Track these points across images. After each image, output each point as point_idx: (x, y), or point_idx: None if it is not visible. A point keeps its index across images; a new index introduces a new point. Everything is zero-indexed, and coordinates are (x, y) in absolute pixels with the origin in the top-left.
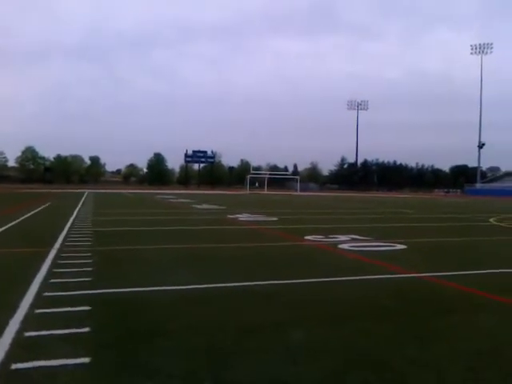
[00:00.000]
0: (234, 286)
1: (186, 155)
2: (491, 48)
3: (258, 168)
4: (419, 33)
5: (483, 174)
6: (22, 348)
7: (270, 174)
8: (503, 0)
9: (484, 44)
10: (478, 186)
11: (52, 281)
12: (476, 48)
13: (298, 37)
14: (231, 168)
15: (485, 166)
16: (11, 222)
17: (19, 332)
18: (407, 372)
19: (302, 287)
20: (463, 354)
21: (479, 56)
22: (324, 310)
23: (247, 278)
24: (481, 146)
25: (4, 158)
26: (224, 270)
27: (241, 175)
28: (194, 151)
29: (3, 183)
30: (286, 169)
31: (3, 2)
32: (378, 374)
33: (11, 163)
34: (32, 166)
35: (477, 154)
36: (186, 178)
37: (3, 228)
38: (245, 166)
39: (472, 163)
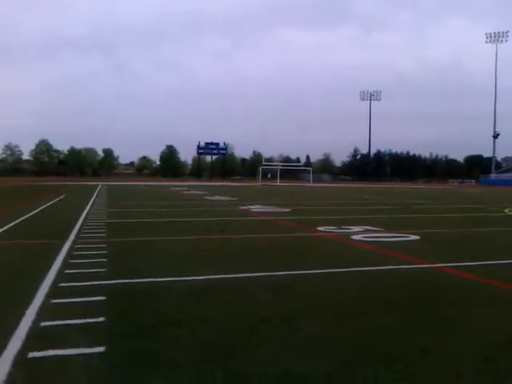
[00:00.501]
0: (247, 277)
1: (199, 147)
2: (507, 36)
3: (270, 159)
4: (431, 22)
5: (498, 165)
6: (38, 337)
7: (282, 166)
8: None
9: (499, 32)
10: (493, 176)
11: (67, 271)
12: (491, 37)
13: (307, 27)
14: (243, 160)
15: (499, 156)
16: (27, 213)
17: (35, 322)
18: (419, 363)
19: (314, 278)
20: (476, 344)
21: (494, 45)
22: (337, 301)
23: (259, 269)
24: (496, 135)
25: (19, 151)
26: (236, 261)
27: (253, 167)
28: (206, 143)
29: (18, 176)
30: (298, 160)
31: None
32: (389, 365)
33: (25, 156)
34: (46, 159)
35: (491, 144)
36: (198, 170)
37: (19, 220)
38: (257, 158)
39: (487, 153)
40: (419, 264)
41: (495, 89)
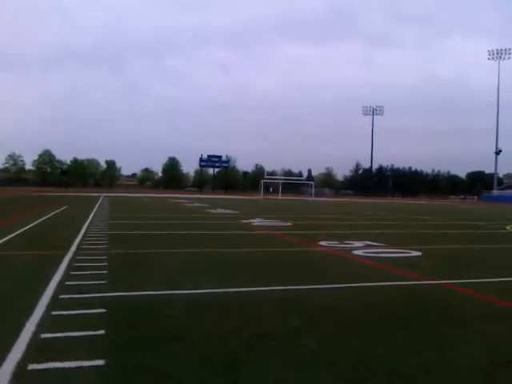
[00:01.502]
0: (247, 291)
1: (201, 160)
2: (509, 53)
3: (272, 173)
4: (435, 39)
5: (500, 181)
6: (38, 349)
7: (284, 179)
8: None
9: (502, 50)
10: (495, 192)
11: (68, 283)
12: (493, 53)
13: (312, 43)
14: (245, 173)
15: (502, 172)
16: (29, 224)
17: (35, 333)
18: (421, 381)
19: (315, 293)
20: (478, 364)
21: (496, 61)
22: (338, 317)
23: (260, 284)
24: (498, 152)
25: (21, 161)
26: (237, 274)
27: (255, 180)
28: (208, 156)
29: (21, 186)
30: (300, 174)
31: (20, 7)
32: (391, 382)
33: (28, 166)
34: (49, 170)
35: (494, 160)
36: (200, 183)
37: (21, 230)
38: (259, 171)
39: (489, 169)
40: (421, 280)
41: (497, 105)
